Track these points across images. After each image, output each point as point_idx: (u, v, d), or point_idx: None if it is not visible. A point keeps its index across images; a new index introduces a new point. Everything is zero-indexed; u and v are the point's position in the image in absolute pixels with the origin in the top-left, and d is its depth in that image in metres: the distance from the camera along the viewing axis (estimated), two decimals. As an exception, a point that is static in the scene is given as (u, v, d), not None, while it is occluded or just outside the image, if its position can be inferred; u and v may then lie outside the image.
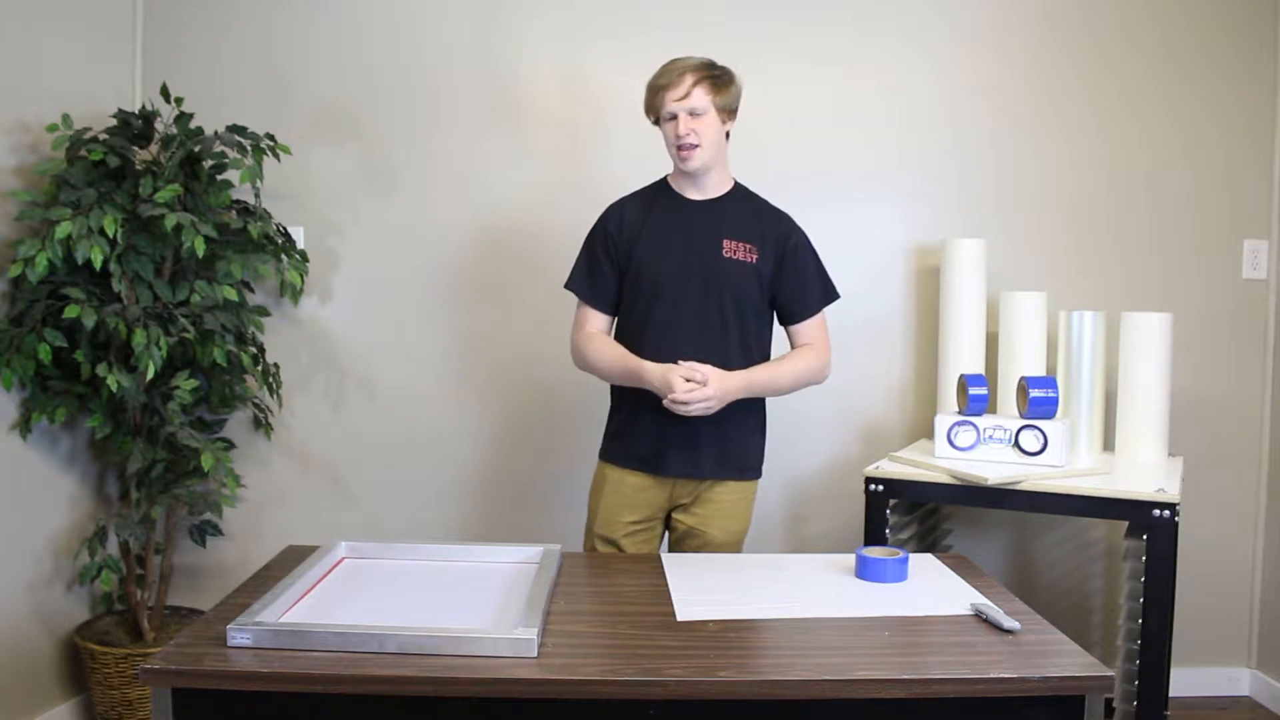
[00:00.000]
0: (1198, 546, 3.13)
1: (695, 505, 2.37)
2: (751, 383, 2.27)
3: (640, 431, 2.33)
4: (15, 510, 2.69)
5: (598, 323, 2.38)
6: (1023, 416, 2.65)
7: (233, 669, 1.49)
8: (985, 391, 2.68)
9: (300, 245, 3.08)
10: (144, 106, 2.81)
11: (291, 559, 2.01)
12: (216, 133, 2.77)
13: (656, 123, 2.33)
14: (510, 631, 1.57)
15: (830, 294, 2.42)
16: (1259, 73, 3.16)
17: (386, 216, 3.15)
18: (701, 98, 2.24)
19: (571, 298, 2.43)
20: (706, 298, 2.28)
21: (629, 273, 2.33)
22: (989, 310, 3.03)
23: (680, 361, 2.20)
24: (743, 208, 2.37)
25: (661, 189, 2.40)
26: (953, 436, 2.68)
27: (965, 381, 2.69)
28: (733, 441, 2.34)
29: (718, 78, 2.27)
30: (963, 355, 2.96)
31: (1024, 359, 2.90)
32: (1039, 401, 2.61)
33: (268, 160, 2.87)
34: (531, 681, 1.49)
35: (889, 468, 2.67)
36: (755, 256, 2.31)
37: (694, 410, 2.17)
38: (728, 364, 2.26)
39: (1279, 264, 3.19)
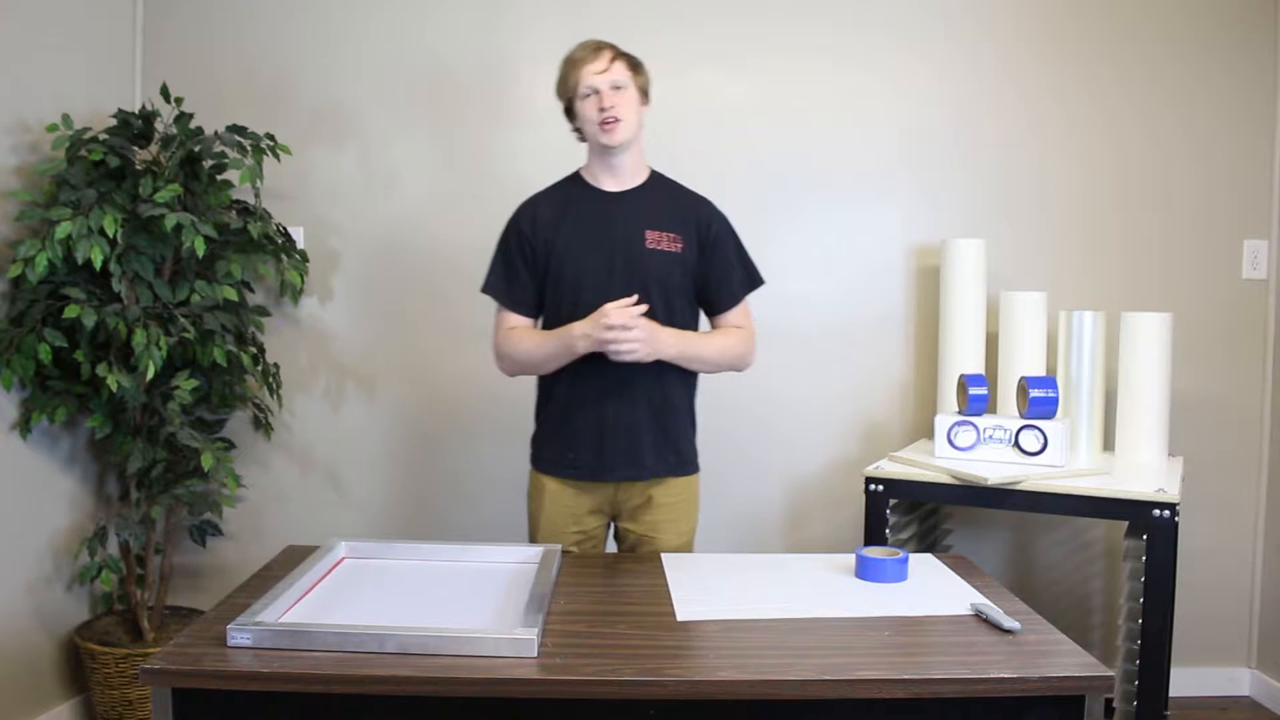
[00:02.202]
0: (1198, 546, 3.13)
1: (642, 513, 2.29)
2: (682, 340, 2.19)
3: (575, 438, 2.24)
4: (15, 510, 2.69)
5: (518, 324, 2.30)
6: (1023, 416, 2.65)
7: (233, 669, 1.49)
8: (985, 391, 2.68)
9: (300, 245, 3.08)
10: (144, 106, 2.81)
11: (291, 559, 2.01)
12: (216, 133, 2.77)
13: (568, 109, 2.26)
14: (510, 631, 1.57)
15: (754, 280, 2.34)
16: (1259, 72, 3.16)
17: (386, 216, 3.15)
18: (622, 72, 2.20)
19: None
20: (632, 291, 2.16)
21: (549, 272, 2.24)
22: (989, 310, 3.03)
23: (602, 307, 2.10)
24: (662, 196, 2.29)
25: (574, 183, 2.31)
26: (953, 436, 2.68)
27: (965, 381, 2.69)
28: (671, 435, 2.27)
29: (631, 58, 2.24)
30: (963, 355, 2.96)
31: (1024, 359, 2.90)
32: (1039, 401, 2.61)
33: (268, 160, 2.87)
34: (531, 681, 1.49)
35: (889, 468, 2.67)
36: (680, 245, 2.24)
37: (625, 347, 2.07)
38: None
39: (1279, 264, 3.19)
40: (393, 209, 3.14)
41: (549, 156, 3.11)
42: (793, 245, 3.15)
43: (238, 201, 2.93)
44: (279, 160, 2.93)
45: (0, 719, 2.63)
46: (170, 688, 1.49)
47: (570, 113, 2.28)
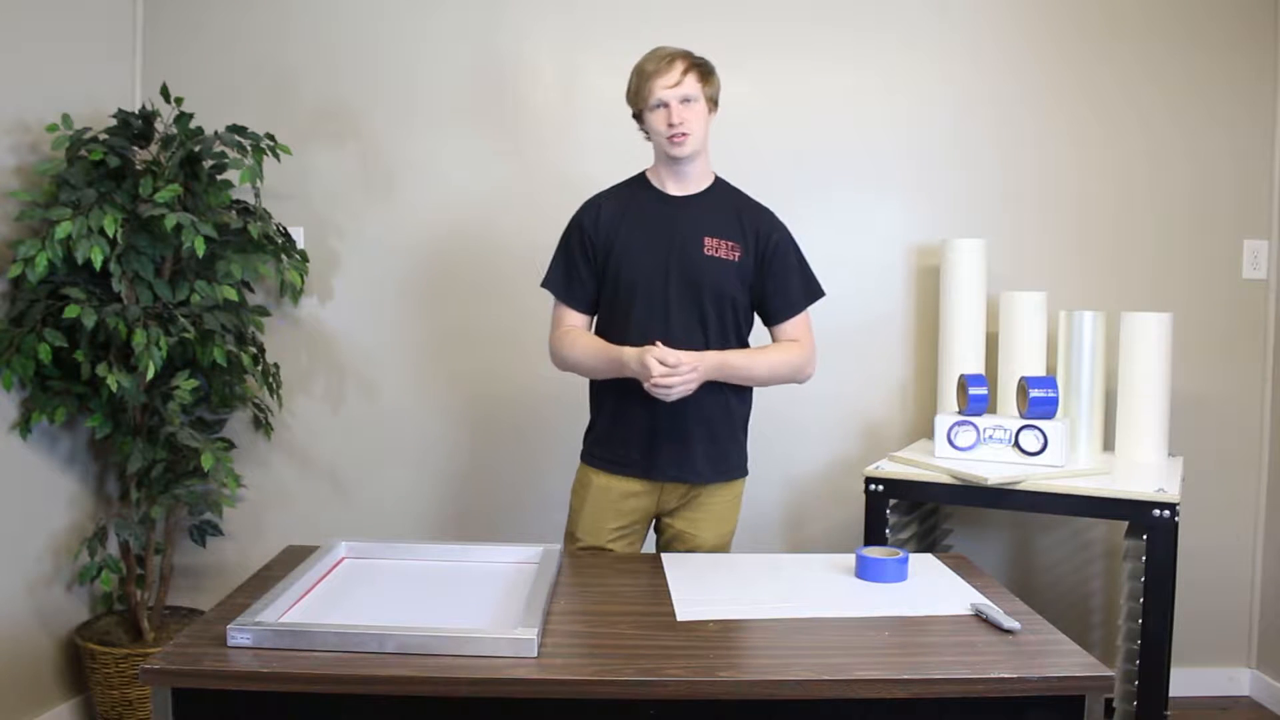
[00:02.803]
0: (1198, 546, 3.13)
1: (685, 509, 2.32)
2: (726, 363, 2.20)
3: (628, 434, 2.26)
4: (15, 510, 2.69)
5: (575, 321, 2.32)
6: (1023, 416, 2.65)
7: (233, 669, 1.49)
8: (985, 391, 2.68)
9: (300, 245, 3.08)
10: (144, 106, 2.81)
11: (291, 559, 2.01)
12: (216, 133, 2.77)
13: (637, 115, 2.26)
14: (510, 631, 1.57)
15: (815, 292, 2.34)
16: (1259, 73, 3.16)
17: (386, 216, 3.15)
18: (693, 85, 2.19)
19: None
20: (686, 296, 2.21)
21: (607, 271, 2.26)
22: (989, 310, 3.03)
23: (656, 343, 2.12)
24: (724, 204, 2.30)
25: (639, 184, 2.32)
26: (953, 436, 2.68)
27: (965, 381, 2.69)
28: (722, 443, 2.29)
29: (703, 66, 2.24)
30: (963, 355, 2.96)
31: (1024, 359, 2.90)
32: (1039, 401, 2.61)
33: (268, 160, 2.87)
34: (531, 681, 1.49)
35: (889, 468, 2.67)
36: (738, 254, 2.25)
37: (674, 394, 2.09)
38: None
39: (1279, 264, 3.19)
40: (393, 209, 3.14)
41: (549, 156, 3.14)
42: (793, 245, 3.15)
43: (238, 201, 2.93)
44: (279, 160, 2.93)
45: (0, 719, 2.63)
46: (170, 688, 1.49)
47: (639, 118, 2.27)
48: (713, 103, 2.26)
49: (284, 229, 3.03)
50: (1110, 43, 3.14)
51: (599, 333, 2.31)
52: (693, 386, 2.12)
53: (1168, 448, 2.90)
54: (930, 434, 3.03)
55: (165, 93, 2.81)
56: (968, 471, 2.53)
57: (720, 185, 2.34)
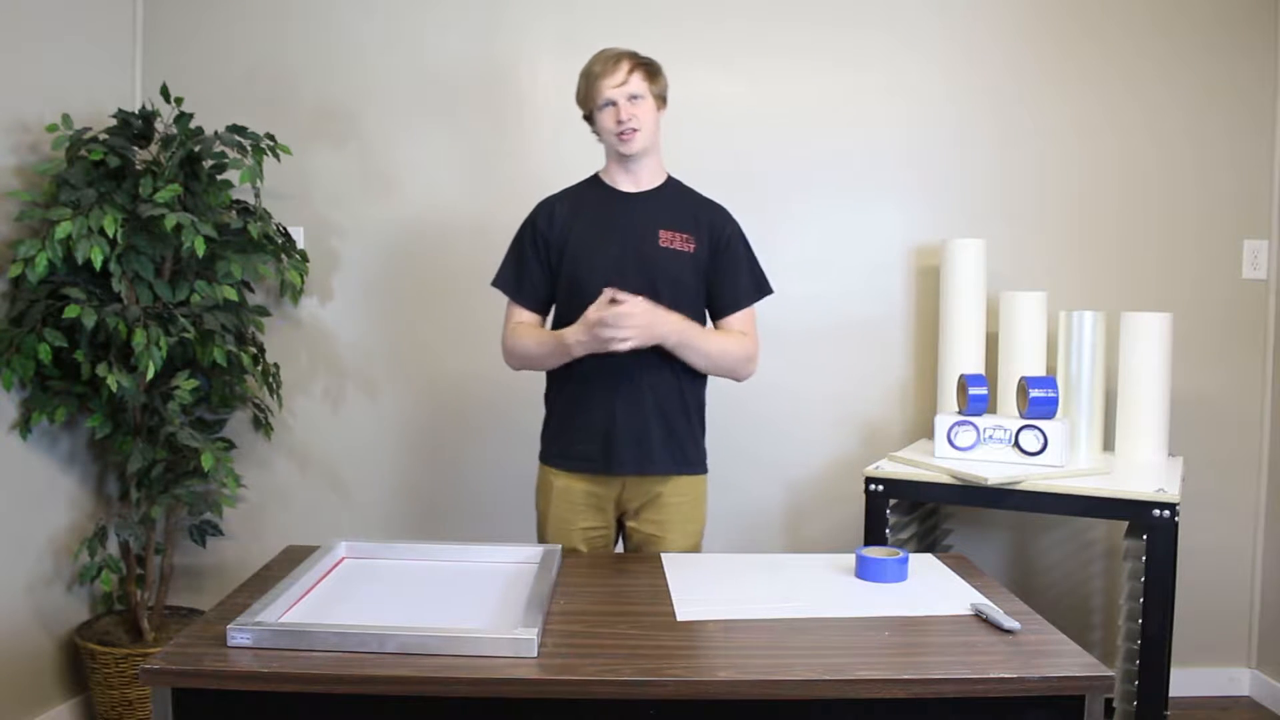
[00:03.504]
0: (1198, 546, 3.13)
1: (648, 511, 2.29)
2: (685, 327, 2.18)
3: (584, 430, 2.26)
4: (15, 510, 2.69)
5: (526, 319, 2.32)
6: (1023, 416, 2.65)
7: (233, 669, 1.49)
8: (985, 391, 2.68)
9: (300, 245, 3.08)
10: (144, 106, 2.81)
11: (291, 559, 2.01)
12: (216, 133, 2.77)
13: (588, 117, 2.29)
14: (510, 631, 1.57)
15: (763, 288, 2.35)
16: (1260, 72, 3.16)
17: (386, 216, 3.15)
18: (639, 83, 2.22)
19: None
20: (643, 289, 2.17)
21: (562, 268, 2.26)
22: (989, 310, 3.03)
23: (605, 290, 2.10)
24: (678, 199, 2.32)
25: (593, 184, 2.34)
26: (953, 436, 2.68)
27: (965, 381, 2.69)
28: (679, 435, 2.28)
29: (649, 65, 2.26)
30: (963, 355, 2.96)
31: (1024, 359, 2.90)
32: (1039, 401, 2.61)
33: (268, 160, 2.87)
34: (531, 681, 1.49)
35: (889, 468, 2.67)
36: (692, 246, 2.26)
37: (623, 334, 2.06)
38: (668, 354, 2.22)
39: (1279, 264, 3.19)
40: (393, 209, 3.14)
41: (548, 156, 3.14)
42: (793, 245, 3.15)
43: (238, 201, 2.93)
44: (279, 160, 2.93)
45: (0, 719, 2.63)
46: (170, 688, 1.49)
47: (589, 119, 2.30)
48: (661, 100, 2.29)
49: (284, 229, 3.03)
50: (1111, 43, 3.14)
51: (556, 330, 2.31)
52: (649, 332, 2.10)
53: (1168, 448, 2.90)
54: (930, 434, 3.03)
55: (165, 93, 2.81)
56: (968, 471, 2.53)
57: (673, 183, 2.35)
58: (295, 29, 3.11)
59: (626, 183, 2.31)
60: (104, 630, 2.84)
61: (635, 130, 2.21)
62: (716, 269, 2.29)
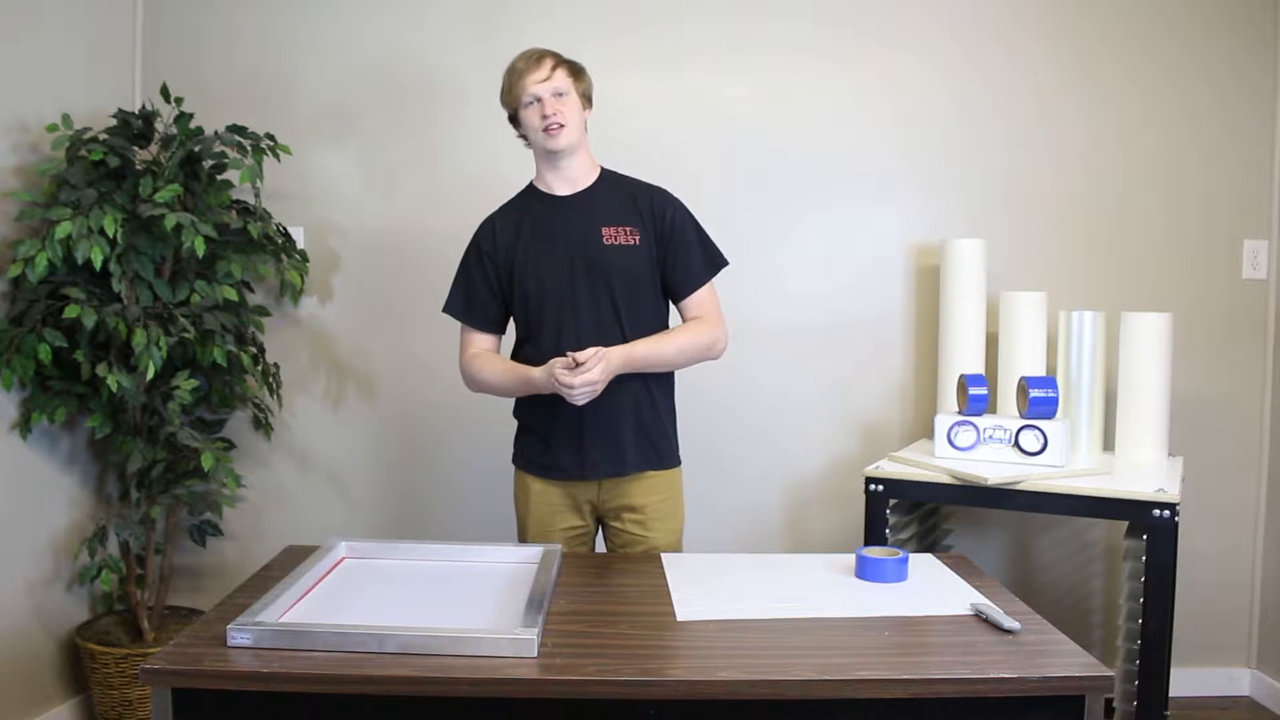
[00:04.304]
0: (1198, 546, 3.13)
1: (628, 512, 2.30)
2: (631, 355, 2.17)
3: (556, 439, 2.26)
4: (15, 510, 2.69)
5: (483, 343, 2.33)
6: (1023, 416, 2.65)
7: (233, 669, 1.49)
8: (985, 391, 2.68)
9: (300, 245, 3.08)
10: (144, 106, 2.81)
11: (291, 559, 2.01)
12: (216, 133, 2.77)
13: (512, 118, 2.29)
14: (510, 631, 1.57)
15: (716, 262, 2.33)
16: (1260, 72, 3.16)
17: (386, 216, 3.15)
18: (563, 79, 2.23)
19: None
20: (596, 291, 2.21)
21: (514, 284, 2.27)
22: (989, 310, 3.03)
23: (567, 353, 2.12)
24: (615, 192, 2.30)
25: (528, 194, 2.34)
26: (953, 436, 2.68)
27: (965, 381, 2.69)
28: (650, 433, 2.28)
29: (573, 64, 2.28)
30: (963, 355, 2.96)
31: (1024, 359, 2.90)
32: (1039, 401, 2.61)
33: (268, 160, 2.87)
34: (531, 681, 1.49)
35: (889, 468, 2.67)
36: (637, 238, 2.25)
37: (579, 393, 2.08)
38: None
39: (1279, 264, 3.19)
40: (393, 209, 3.14)
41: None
42: (792, 245, 3.15)
43: (238, 201, 2.93)
44: (279, 160, 2.93)
45: (0, 719, 2.63)
46: (170, 688, 1.49)
47: (515, 121, 2.30)
48: (586, 100, 2.30)
49: (284, 229, 3.03)
50: (1111, 43, 3.14)
51: (516, 344, 2.32)
52: (599, 385, 2.11)
53: (1168, 448, 2.89)
54: (930, 434, 3.03)
55: (165, 93, 2.81)
56: (968, 471, 2.53)
57: (607, 176, 2.35)
58: (295, 29, 3.11)
59: (561, 185, 2.30)
60: (104, 630, 2.84)
61: (562, 125, 2.21)
62: (666, 253, 2.28)
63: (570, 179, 2.30)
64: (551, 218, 2.28)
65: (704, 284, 2.31)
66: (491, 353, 2.33)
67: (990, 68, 3.15)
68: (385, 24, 3.12)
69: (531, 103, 2.22)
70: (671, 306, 2.36)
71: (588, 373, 2.08)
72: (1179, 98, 3.16)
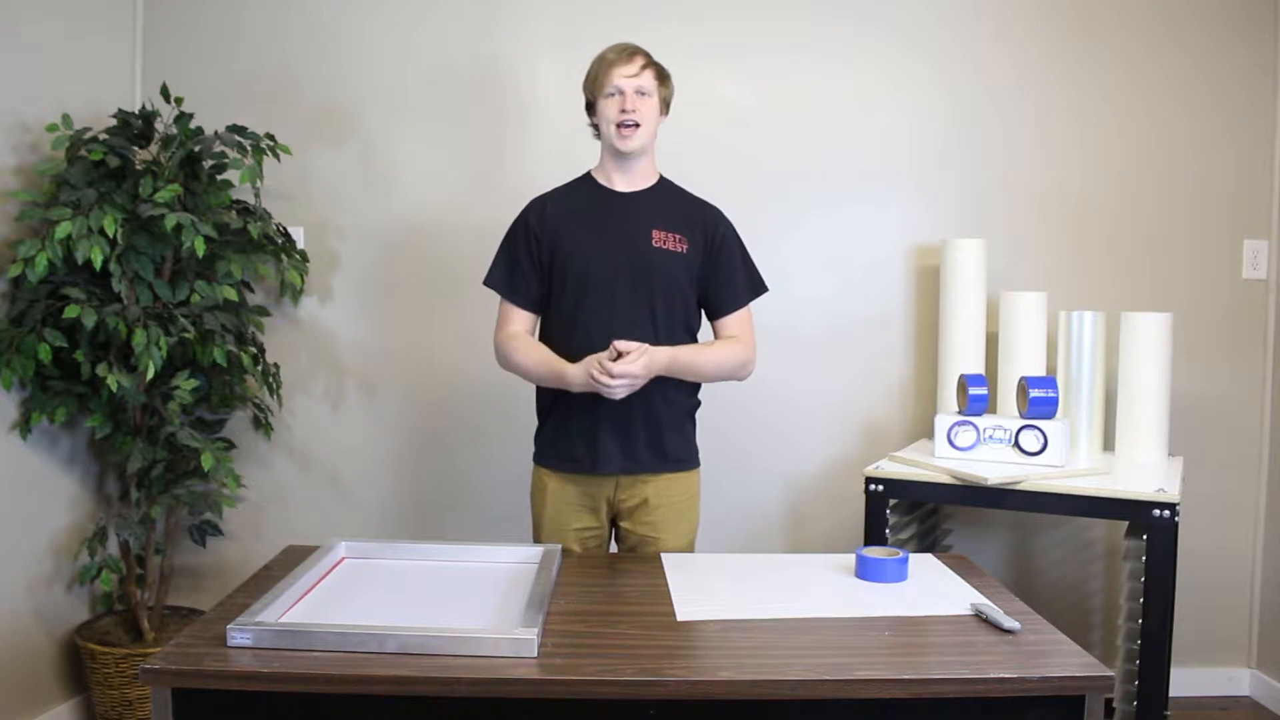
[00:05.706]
0: (1198, 546, 3.13)
1: (642, 513, 2.29)
2: (676, 359, 2.19)
3: (573, 433, 2.26)
4: (15, 510, 2.69)
5: (520, 321, 2.32)
6: (1023, 416, 2.65)
7: (233, 669, 1.49)
8: (985, 391, 2.68)
9: (300, 245, 3.08)
10: (144, 106, 2.81)
11: (291, 559, 2.01)
12: (216, 133, 2.77)
13: (590, 105, 2.29)
14: (510, 631, 1.57)
15: (758, 287, 2.36)
16: (1260, 72, 3.16)
17: (386, 216, 3.15)
18: (649, 80, 2.23)
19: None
20: (636, 288, 2.21)
21: (555, 267, 2.26)
22: (989, 310, 3.03)
23: (613, 342, 2.11)
24: (671, 199, 2.32)
25: (585, 182, 2.34)
26: (953, 436, 2.68)
27: (965, 381, 2.69)
28: (666, 434, 2.28)
29: (661, 68, 2.28)
30: (963, 355, 2.96)
31: (1024, 359, 2.90)
32: (1039, 401, 2.61)
33: (268, 160, 2.87)
34: (531, 681, 1.49)
35: (889, 468, 2.67)
36: (685, 246, 2.26)
37: (618, 385, 2.09)
38: None
39: (1279, 264, 3.19)
40: (393, 209, 3.14)
41: (549, 155, 3.13)
42: (793, 245, 3.15)
43: (238, 201, 2.93)
44: (279, 160, 2.93)
45: (0, 719, 2.63)
46: (170, 688, 1.49)
47: (591, 108, 2.30)
48: (665, 105, 2.30)
49: (284, 229, 3.03)
50: (1112, 43, 3.14)
51: (548, 328, 2.32)
52: (640, 381, 2.12)
53: (1168, 448, 2.90)
54: (930, 434, 3.03)
55: (165, 93, 2.81)
56: (968, 471, 2.53)
57: (665, 183, 2.36)
58: (295, 28, 3.11)
59: (620, 181, 2.30)
60: (104, 630, 2.84)
61: (636, 125, 2.22)
62: (711, 270, 2.29)
63: (631, 178, 2.30)
64: (605, 209, 2.28)
65: (744, 306, 2.33)
66: (529, 336, 2.32)
67: (990, 68, 3.15)
68: (385, 23, 3.11)
69: (614, 94, 2.22)
70: (705, 323, 2.36)
71: (631, 365, 2.08)
72: (1179, 98, 3.16)
